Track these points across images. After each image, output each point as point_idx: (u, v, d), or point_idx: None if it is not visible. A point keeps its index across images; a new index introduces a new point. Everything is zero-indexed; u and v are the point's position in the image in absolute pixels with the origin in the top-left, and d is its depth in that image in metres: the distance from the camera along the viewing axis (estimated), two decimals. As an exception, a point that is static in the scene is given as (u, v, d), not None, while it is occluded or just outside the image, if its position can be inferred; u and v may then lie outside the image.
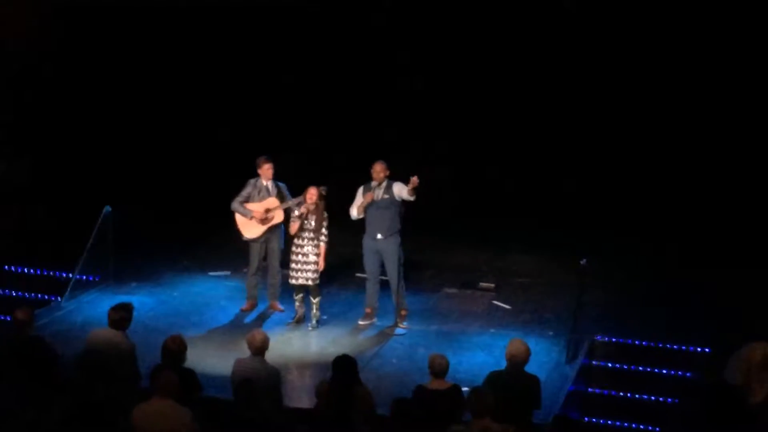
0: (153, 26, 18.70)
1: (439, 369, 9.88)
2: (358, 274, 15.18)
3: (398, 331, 13.83)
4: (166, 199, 17.96)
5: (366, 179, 13.89)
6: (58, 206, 17.00)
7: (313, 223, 13.62)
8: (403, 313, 13.98)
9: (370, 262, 13.99)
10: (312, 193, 13.56)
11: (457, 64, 18.42)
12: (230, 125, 18.99)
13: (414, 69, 18.41)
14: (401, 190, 13.59)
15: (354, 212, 13.86)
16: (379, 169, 13.71)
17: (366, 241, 13.94)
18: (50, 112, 18.39)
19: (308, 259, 13.66)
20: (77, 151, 18.42)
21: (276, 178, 14.24)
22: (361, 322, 14.07)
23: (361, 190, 13.86)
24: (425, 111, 18.42)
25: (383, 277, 14.04)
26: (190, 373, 10.06)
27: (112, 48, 18.84)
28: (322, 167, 16.03)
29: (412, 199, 13.55)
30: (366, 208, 13.78)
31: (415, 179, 13.27)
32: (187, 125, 19.02)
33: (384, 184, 13.73)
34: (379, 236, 13.77)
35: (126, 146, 18.74)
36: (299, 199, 13.77)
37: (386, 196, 13.69)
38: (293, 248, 13.75)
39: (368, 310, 14.11)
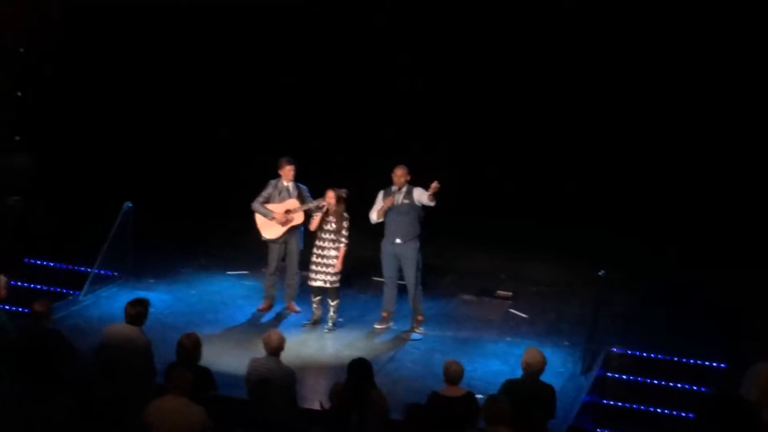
0: (156, 25, 18.70)
1: (454, 375, 9.88)
2: (376, 278, 15.20)
3: (414, 336, 13.85)
4: (187, 197, 17.99)
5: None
6: (79, 202, 17.04)
7: (333, 225, 13.63)
8: (419, 318, 13.98)
9: (388, 267, 13.99)
10: (330, 195, 13.59)
11: (475, 63, 18.36)
12: (249, 125, 19.00)
13: (416, 69, 18.36)
14: (421, 196, 13.59)
15: (374, 216, 13.87)
16: (399, 174, 13.72)
17: (385, 246, 13.95)
18: (66, 108, 18.45)
19: (329, 262, 13.68)
20: (99, 146, 18.46)
21: (296, 179, 14.26)
22: (377, 326, 14.08)
23: (381, 194, 13.87)
24: (436, 113, 18.37)
25: (401, 282, 14.04)
26: (205, 371, 10.07)
27: (117, 47, 18.85)
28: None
29: (432, 204, 13.55)
30: (386, 213, 13.79)
31: (435, 184, 13.28)
32: (209, 124, 19.04)
33: (404, 188, 13.73)
34: (398, 241, 13.78)
35: (148, 143, 18.76)
36: (319, 201, 13.79)
37: (406, 201, 13.69)
38: (314, 250, 13.77)
39: (385, 314, 14.12)
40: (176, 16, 18.68)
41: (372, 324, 14.15)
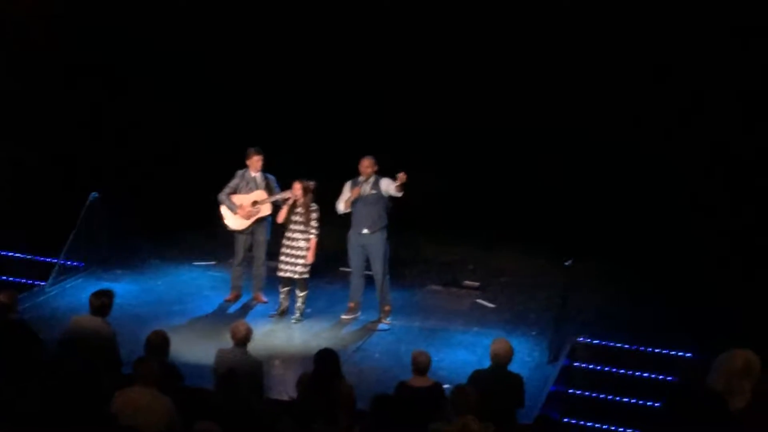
0: (138, 16, 18.65)
1: (421, 366, 9.90)
2: (343, 269, 15.20)
3: (381, 326, 13.85)
4: (153, 187, 17.91)
5: (351, 176, 13.90)
6: (45, 191, 16.94)
7: (302, 217, 13.61)
8: (386, 309, 13.99)
9: (355, 257, 14.00)
10: (296, 187, 13.57)
11: (443, 61, 18.38)
12: (221, 117, 18.94)
13: (400, 65, 18.39)
14: (389, 186, 13.60)
15: (341, 207, 13.86)
16: (366, 164, 13.72)
17: (352, 236, 13.95)
18: (35, 97, 18.34)
19: (298, 253, 13.67)
20: (66, 137, 18.34)
21: (265, 170, 14.23)
22: (344, 317, 14.08)
23: (348, 184, 13.87)
24: (408, 107, 18.36)
25: (368, 272, 14.05)
26: (172, 367, 10.06)
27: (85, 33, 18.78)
28: (309, 164, 15.98)
29: (399, 195, 13.56)
30: (353, 203, 13.78)
31: (402, 175, 13.28)
32: (180, 115, 18.97)
33: (372, 179, 13.74)
34: (365, 231, 13.78)
35: (114, 133, 18.67)
36: (286, 193, 13.78)
37: (373, 192, 13.70)
38: (284, 241, 13.76)
39: (351, 305, 14.12)
40: (158, 9, 18.65)
41: (339, 315, 14.14)
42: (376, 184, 13.73)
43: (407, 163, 13.71)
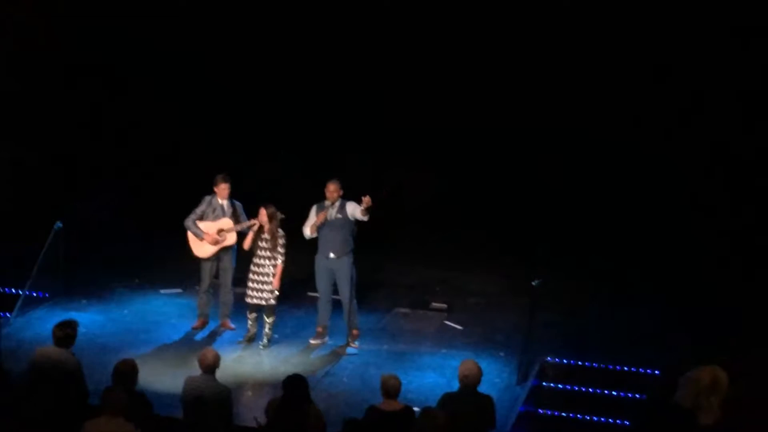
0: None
1: (391, 390, 9.87)
2: (310, 293, 15.19)
3: (349, 350, 13.82)
4: (120, 216, 17.86)
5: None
6: (8, 221, 16.85)
7: (268, 243, 13.58)
8: (354, 332, 13.97)
9: (322, 282, 13.98)
10: (262, 213, 13.54)
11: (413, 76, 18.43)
12: (185, 140, 18.91)
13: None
14: (354, 210, 13.60)
15: (307, 231, 13.85)
16: (332, 189, 13.72)
17: (319, 260, 13.93)
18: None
19: (265, 279, 13.63)
20: (36, 164, 18.29)
21: (233, 196, 14.20)
22: (312, 341, 14.04)
23: (314, 209, 13.86)
24: (372, 124, 18.38)
25: (335, 297, 14.03)
26: (141, 395, 9.99)
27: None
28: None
29: (365, 219, 13.56)
30: (319, 228, 13.77)
31: (367, 199, 13.30)
32: (144, 140, 18.93)
33: (338, 203, 13.73)
34: (332, 255, 13.77)
35: (83, 161, 18.61)
36: (250, 222, 13.75)
37: (339, 216, 13.70)
38: (252, 267, 13.72)
39: (320, 329, 14.09)
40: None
41: (308, 340, 14.11)
42: (342, 209, 13.72)
43: (370, 182, 13.79)
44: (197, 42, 18.60)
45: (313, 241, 13.92)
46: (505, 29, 17.72)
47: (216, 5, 18.74)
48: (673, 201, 17.16)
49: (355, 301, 13.93)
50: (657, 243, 16.82)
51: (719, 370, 9.90)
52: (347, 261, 13.79)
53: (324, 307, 14.05)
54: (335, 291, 14.00)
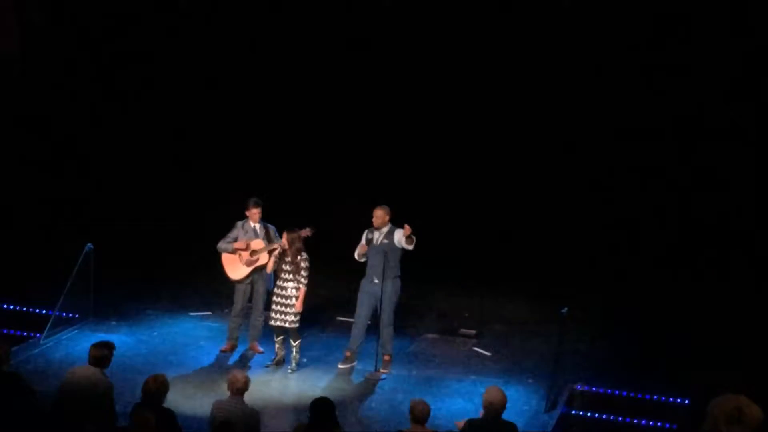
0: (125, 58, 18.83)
1: (420, 415, 9.85)
2: (339, 318, 15.21)
3: (383, 376, 13.80)
4: (148, 238, 17.97)
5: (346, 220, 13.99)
6: (39, 242, 16.96)
7: (291, 266, 13.60)
8: (386, 358, 13.96)
9: (363, 306, 13.98)
10: (284, 237, 13.58)
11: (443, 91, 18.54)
12: (217, 164, 19.06)
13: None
14: (401, 238, 13.62)
15: (355, 255, 13.88)
16: (378, 215, 13.78)
17: (363, 284, 13.98)
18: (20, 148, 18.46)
19: (288, 302, 13.64)
20: (63, 188, 18.43)
21: (266, 219, 14.25)
22: (340, 366, 14.03)
23: (365, 233, 13.91)
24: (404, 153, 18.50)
25: (370, 322, 14.04)
26: (170, 413, 9.99)
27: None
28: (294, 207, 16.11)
29: (409, 248, 13.58)
30: (368, 252, 13.80)
31: (407, 228, 13.35)
32: (174, 165, 19.09)
33: (386, 229, 13.76)
34: (375, 281, 13.79)
35: (108, 184, 18.76)
36: (279, 243, 13.79)
37: (385, 241, 13.72)
38: (275, 290, 13.74)
39: (348, 354, 14.07)
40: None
41: (335, 364, 14.10)
42: (390, 234, 13.75)
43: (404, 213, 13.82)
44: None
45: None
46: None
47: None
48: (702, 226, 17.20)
49: (392, 327, 13.93)
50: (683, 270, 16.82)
51: (745, 400, 9.81)
52: (391, 286, 13.80)
53: (358, 332, 14.02)
54: (373, 317, 14.01)
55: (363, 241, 13.90)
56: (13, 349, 11.16)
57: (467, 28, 18.22)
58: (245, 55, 19.26)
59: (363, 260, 13.93)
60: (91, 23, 18.96)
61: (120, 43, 19.07)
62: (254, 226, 14.17)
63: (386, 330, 13.88)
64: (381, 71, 18.63)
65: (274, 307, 13.72)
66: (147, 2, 19.01)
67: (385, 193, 14.80)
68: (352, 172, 18.64)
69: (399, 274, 13.87)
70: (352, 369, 14.01)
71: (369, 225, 13.87)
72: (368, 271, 13.93)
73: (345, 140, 18.84)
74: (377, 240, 13.78)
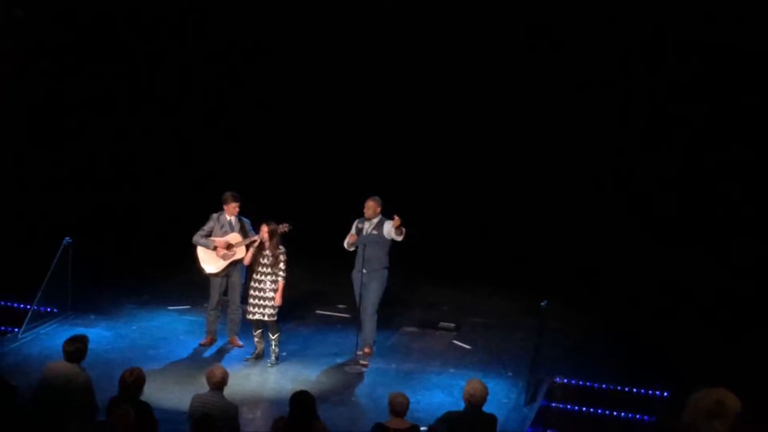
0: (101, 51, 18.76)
1: (399, 408, 9.83)
2: (319, 311, 15.20)
3: (358, 367, 13.79)
4: (127, 232, 17.92)
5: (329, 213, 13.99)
6: (16, 236, 16.88)
7: (269, 259, 13.57)
8: (366, 350, 13.96)
9: (359, 296, 13.96)
10: (263, 230, 13.54)
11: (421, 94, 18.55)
12: (196, 157, 19.02)
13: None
14: (390, 230, 13.61)
15: (345, 244, 13.86)
16: (369, 206, 13.83)
17: (353, 275, 13.97)
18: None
19: (266, 295, 13.60)
20: (38, 180, 18.33)
21: (242, 213, 14.22)
22: (362, 362, 13.97)
23: (356, 223, 13.89)
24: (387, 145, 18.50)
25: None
26: (146, 406, 9.95)
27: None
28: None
29: (399, 239, 13.59)
30: (357, 241, 13.77)
31: (396, 218, 13.35)
32: (152, 156, 19.03)
33: (376, 220, 13.77)
34: (363, 271, 13.77)
35: (87, 177, 18.68)
36: (256, 237, 13.75)
37: (375, 233, 13.73)
38: (252, 283, 13.71)
39: (366, 350, 14.05)
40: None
41: (315, 357, 14.13)
42: (379, 226, 13.76)
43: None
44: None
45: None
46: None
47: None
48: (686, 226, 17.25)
49: (376, 317, 13.94)
50: (666, 264, 16.86)
51: (726, 393, 9.83)
52: (377, 277, 13.83)
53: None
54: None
55: (353, 230, 13.89)
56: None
57: (451, 30, 18.25)
58: (226, 50, 19.19)
59: (352, 249, 13.91)
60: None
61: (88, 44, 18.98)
62: (229, 219, 14.14)
63: (371, 320, 13.86)
64: (364, 67, 18.60)
65: (251, 300, 13.69)
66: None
67: (367, 187, 14.81)
68: (335, 165, 18.61)
69: (387, 265, 13.89)
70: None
71: (353, 217, 13.87)
72: (356, 261, 13.90)
73: (327, 134, 18.82)
74: (367, 230, 13.78)
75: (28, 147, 18.50)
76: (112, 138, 19.05)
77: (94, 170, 18.87)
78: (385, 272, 13.88)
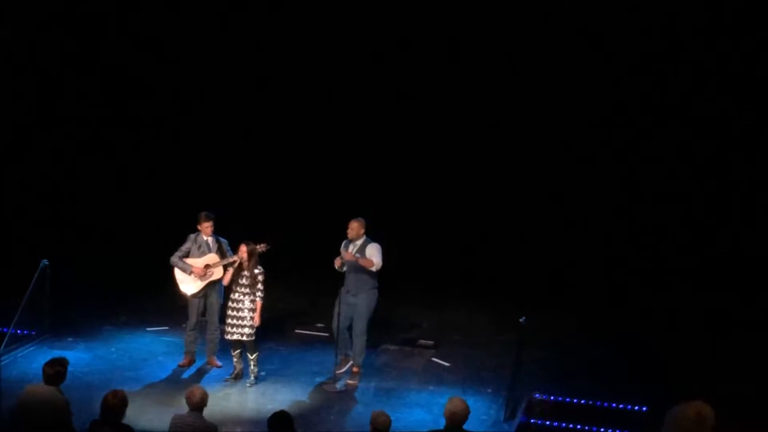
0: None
1: (381, 427, 9.83)
2: (297, 330, 15.18)
3: (338, 386, 13.80)
4: (104, 253, 17.90)
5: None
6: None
7: (247, 279, 13.57)
8: (354, 369, 13.97)
9: (336, 314, 13.93)
10: (242, 249, 13.53)
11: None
12: (169, 177, 19.02)
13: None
14: (371, 254, 13.61)
15: (336, 266, 13.83)
16: (353, 227, 13.76)
17: (341, 295, 13.92)
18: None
19: (243, 315, 13.60)
20: (13, 203, 18.31)
21: (217, 233, 14.21)
22: (338, 371, 13.99)
23: (342, 246, 13.88)
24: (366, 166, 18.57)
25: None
26: (128, 429, 9.93)
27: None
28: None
29: (373, 269, 13.58)
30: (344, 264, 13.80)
31: (347, 255, 13.46)
32: (127, 177, 19.04)
33: (360, 242, 13.74)
34: (349, 292, 13.77)
35: (63, 199, 18.67)
36: (236, 257, 13.74)
37: (358, 255, 13.67)
38: (229, 303, 13.70)
39: (342, 358, 14.04)
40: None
41: (294, 377, 14.12)
42: (363, 248, 13.72)
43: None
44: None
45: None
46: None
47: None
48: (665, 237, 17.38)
49: (365, 338, 13.93)
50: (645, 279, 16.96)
51: (704, 406, 9.87)
52: (365, 298, 13.80)
53: (338, 339, 13.94)
54: (349, 328, 14.01)
55: (342, 252, 13.85)
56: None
57: (429, 55, 18.41)
58: (201, 63, 19.25)
59: (343, 270, 13.89)
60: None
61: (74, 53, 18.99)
62: (207, 240, 14.14)
63: (358, 341, 13.87)
64: (341, 85, 18.68)
65: (228, 321, 13.68)
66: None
67: (347, 205, 14.84)
68: (314, 184, 18.64)
69: (376, 285, 13.86)
70: (345, 373, 14.02)
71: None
72: (345, 281, 13.89)
73: (308, 153, 18.85)
74: (352, 252, 13.75)
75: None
76: (84, 156, 19.05)
77: (71, 190, 18.84)
78: (374, 293, 13.86)
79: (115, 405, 9.83)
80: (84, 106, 19.16)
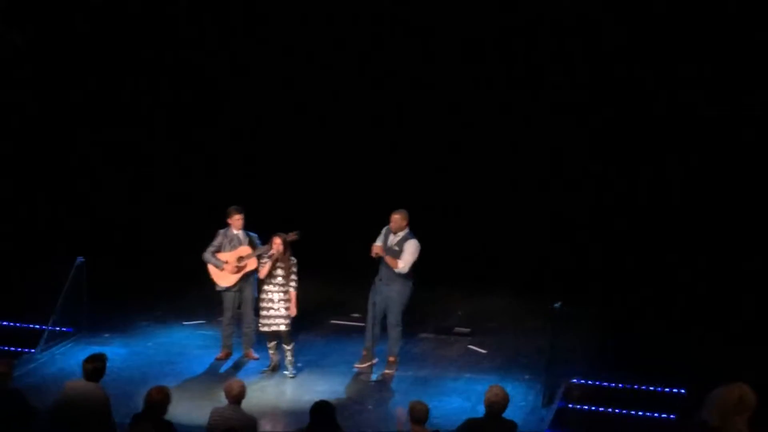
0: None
1: (419, 416, 9.81)
2: (333, 321, 15.22)
3: (373, 377, 13.81)
4: (140, 249, 17.95)
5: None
6: (30, 257, 16.92)
7: (282, 271, 13.58)
8: (391, 359, 13.99)
9: (372, 306, 13.91)
10: (277, 242, 13.54)
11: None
12: (204, 174, 19.06)
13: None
14: (407, 249, 13.61)
15: (372, 253, 13.80)
16: (395, 218, 13.71)
17: (376, 284, 13.89)
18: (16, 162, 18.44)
19: (277, 306, 13.60)
20: (53, 201, 18.40)
21: (246, 228, 14.24)
22: (356, 366, 13.99)
23: (384, 231, 13.88)
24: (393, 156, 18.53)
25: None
26: (169, 425, 9.96)
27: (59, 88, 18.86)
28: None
29: (402, 270, 13.59)
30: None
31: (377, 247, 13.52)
32: (158, 174, 19.09)
33: (402, 233, 13.71)
34: (381, 280, 13.77)
35: (99, 195, 18.74)
36: (267, 247, 13.74)
37: (396, 248, 13.66)
38: (262, 295, 13.72)
39: (364, 352, 14.01)
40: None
41: (330, 367, 14.15)
42: (402, 241, 13.70)
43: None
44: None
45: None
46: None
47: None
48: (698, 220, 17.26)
49: (400, 328, 13.92)
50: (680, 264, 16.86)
51: (746, 388, 9.83)
52: (398, 288, 13.76)
53: (369, 331, 13.96)
54: (383, 318, 14.00)
55: (380, 237, 13.84)
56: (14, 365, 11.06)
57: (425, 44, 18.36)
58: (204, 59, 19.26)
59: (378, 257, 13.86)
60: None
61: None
62: (237, 234, 14.17)
63: (393, 331, 13.86)
64: (352, 79, 18.65)
65: (263, 313, 13.70)
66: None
67: (377, 194, 14.84)
68: (344, 174, 18.59)
69: (411, 277, 13.81)
70: (371, 367, 13.98)
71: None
72: (379, 270, 13.87)
73: (336, 143, 18.77)
74: (391, 242, 13.73)
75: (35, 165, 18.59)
76: (117, 153, 19.11)
77: (102, 186, 18.91)
78: (408, 284, 13.82)
79: (160, 400, 9.84)
80: (122, 106, 19.18)
